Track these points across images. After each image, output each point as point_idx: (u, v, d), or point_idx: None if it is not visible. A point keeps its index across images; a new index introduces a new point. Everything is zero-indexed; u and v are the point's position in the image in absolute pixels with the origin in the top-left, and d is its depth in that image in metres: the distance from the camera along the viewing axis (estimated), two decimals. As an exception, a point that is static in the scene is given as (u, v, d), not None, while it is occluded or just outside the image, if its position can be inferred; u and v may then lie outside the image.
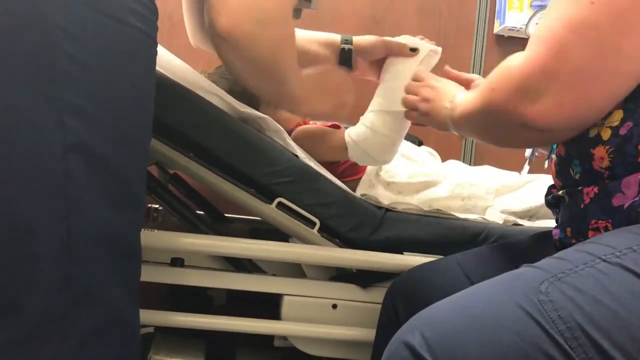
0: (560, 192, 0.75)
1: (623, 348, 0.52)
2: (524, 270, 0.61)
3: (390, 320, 0.88)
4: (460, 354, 0.55)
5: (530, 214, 1.17)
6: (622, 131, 0.65)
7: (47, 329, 0.64)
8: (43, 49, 0.62)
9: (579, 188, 0.70)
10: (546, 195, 0.80)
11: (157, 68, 0.95)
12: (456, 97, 0.86)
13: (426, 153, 1.36)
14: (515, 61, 0.66)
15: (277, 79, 0.84)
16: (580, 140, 0.69)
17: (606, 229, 0.65)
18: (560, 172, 0.75)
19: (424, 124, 0.97)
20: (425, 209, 1.11)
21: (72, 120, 0.63)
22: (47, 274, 0.63)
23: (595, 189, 0.67)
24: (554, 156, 0.78)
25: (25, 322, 0.63)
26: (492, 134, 0.78)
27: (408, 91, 0.98)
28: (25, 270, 0.63)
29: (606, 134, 0.66)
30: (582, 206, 0.69)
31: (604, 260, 0.57)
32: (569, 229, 0.72)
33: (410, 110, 0.97)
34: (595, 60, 0.62)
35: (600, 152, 0.67)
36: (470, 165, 1.64)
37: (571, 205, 0.72)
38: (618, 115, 0.66)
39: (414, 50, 1.09)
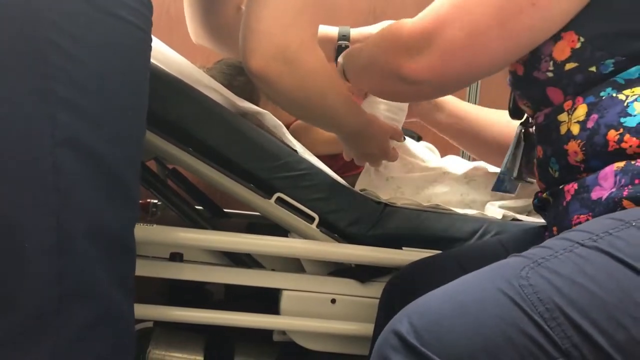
0: (544, 194, 0.77)
1: (601, 327, 0.54)
2: (510, 259, 0.63)
3: (388, 315, 0.87)
4: (446, 339, 0.57)
5: (528, 209, 1.17)
6: (589, 124, 0.69)
7: (41, 324, 0.64)
8: (35, 42, 0.62)
9: (560, 187, 0.73)
10: (533, 200, 0.82)
11: (155, 62, 0.96)
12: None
13: (425, 148, 1.36)
14: (407, 22, 0.77)
15: (316, 109, 0.92)
16: (554, 138, 0.73)
17: None
18: (541, 173, 0.78)
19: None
20: (424, 204, 1.11)
21: (63, 115, 0.63)
22: (39, 268, 0.63)
23: (575, 185, 0.70)
24: (535, 160, 0.81)
25: (19, 317, 0.64)
26: (370, 76, 0.89)
27: None
28: (16, 265, 0.63)
29: (575, 129, 0.70)
30: (564, 204, 0.71)
31: (582, 245, 0.59)
32: (555, 228, 0.74)
33: None
34: (464, 38, 0.72)
35: (573, 146, 0.70)
36: (469, 160, 1.63)
37: (555, 205, 0.74)
38: (582, 110, 0.70)
39: None
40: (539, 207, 0.81)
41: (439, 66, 0.74)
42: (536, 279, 0.57)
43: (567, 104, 0.72)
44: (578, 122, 0.70)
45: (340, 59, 0.98)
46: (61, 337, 0.65)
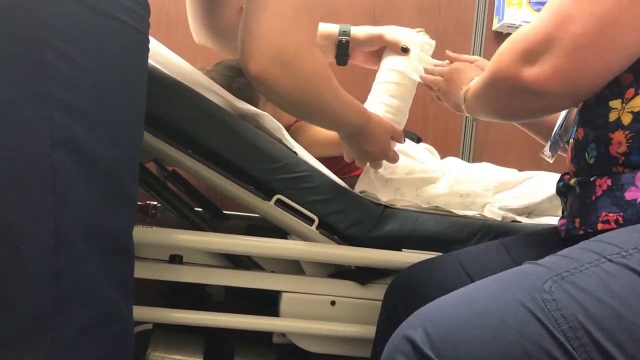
0: (572, 181, 0.74)
1: (625, 349, 0.52)
2: (527, 267, 0.60)
3: (390, 317, 0.88)
4: (462, 350, 0.55)
5: (528, 211, 1.17)
6: None
7: (39, 325, 0.64)
8: (31, 44, 0.62)
9: (592, 179, 0.70)
10: (558, 182, 0.79)
11: (155, 65, 0.96)
12: (472, 80, 0.89)
13: (425, 150, 1.36)
14: (523, 29, 0.70)
15: (315, 110, 0.92)
16: (600, 124, 0.70)
17: (617, 222, 0.65)
18: (576, 156, 0.75)
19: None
20: (424, 205, 1.11)
21: (60, 116, 0.63)
22: (37, 270, 0.63)
23: (609, 181, 0.67)
24: (571, 140, 0.78)
25: (17, 318, 0.64)
26: (496, 104, 0.81)
27: (432, 72, 1.07)
28: (14, 267, 0.63)
29: (627, 119, 0.67)
30: (593, 198, 0.69)
31: (610, 260, 0.56)
32: (577, 220, 0.71)
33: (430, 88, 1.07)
34: (594, 30, 0.64)
35: (619, 136, 0.67)
36: (469, 162, 1.64)
37: (582, 196, 0.71)
38: None
39: (405, 50, 1.16)
40: (562, 192, 0.78)
41: (567, 68, 0.65)
42: (560, 294, 0.55)
43: (629, 92, 0.67)
44: (632, 112, 0.66)
45: (461, 95, 0.92)
46: (60, 338, 0.64)
